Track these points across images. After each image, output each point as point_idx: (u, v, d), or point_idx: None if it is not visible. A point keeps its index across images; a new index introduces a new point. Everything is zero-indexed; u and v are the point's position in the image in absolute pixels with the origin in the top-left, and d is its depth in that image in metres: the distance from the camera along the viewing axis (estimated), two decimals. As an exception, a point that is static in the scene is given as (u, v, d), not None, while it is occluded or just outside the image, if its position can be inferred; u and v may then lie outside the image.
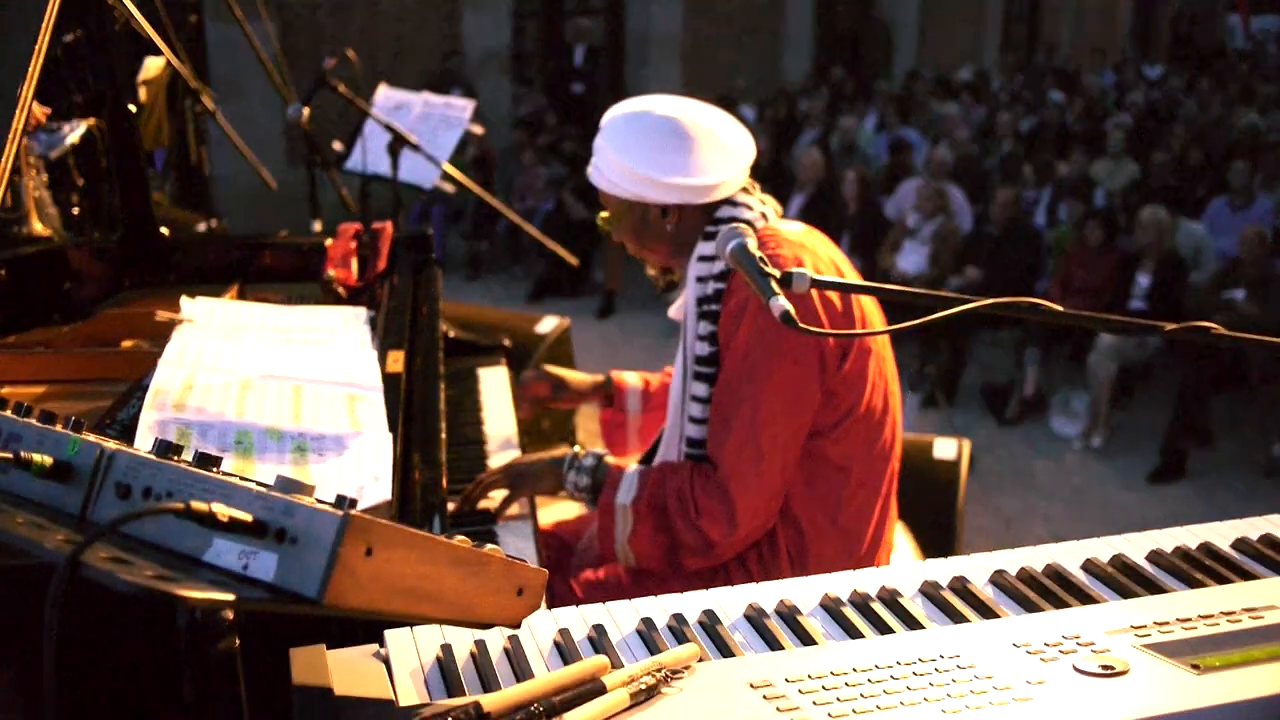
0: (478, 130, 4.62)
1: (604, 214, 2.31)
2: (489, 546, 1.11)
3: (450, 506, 2.29)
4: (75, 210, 4.81)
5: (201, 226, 5.43)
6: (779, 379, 2.08)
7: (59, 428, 1.17)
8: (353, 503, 0.99)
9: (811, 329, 1.73)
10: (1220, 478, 6.19)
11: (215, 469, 1.10)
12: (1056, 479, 6.20)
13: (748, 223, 2.19)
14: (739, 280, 2.12)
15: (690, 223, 2.23)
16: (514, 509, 2.31)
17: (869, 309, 2.25)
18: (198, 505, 0.97)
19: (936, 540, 3.04)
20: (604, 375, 2.73)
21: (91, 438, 1.14)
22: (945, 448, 3.26)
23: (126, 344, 2.75)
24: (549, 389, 2.71)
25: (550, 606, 1.97)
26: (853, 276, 2.29)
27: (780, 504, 2.17)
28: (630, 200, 2.22)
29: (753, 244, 1.81)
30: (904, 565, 1.47)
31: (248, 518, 0.98)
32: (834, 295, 2.12)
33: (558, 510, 2.87)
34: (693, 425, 2.23)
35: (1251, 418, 6.73)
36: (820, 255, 2.20)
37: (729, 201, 2.23)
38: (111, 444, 1.13)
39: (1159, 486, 6.09)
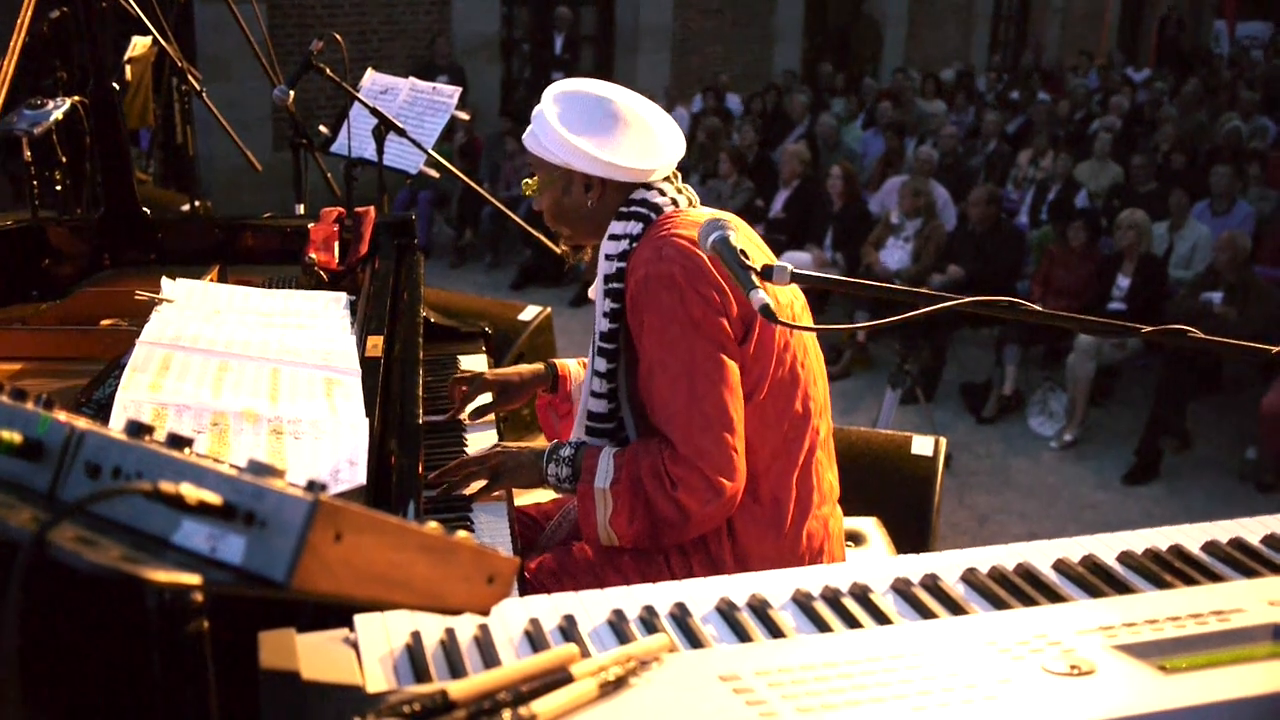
0: (464, 116, 4.59)
1: (530, 179, 2.36)
2: (460, 533, 1.11)
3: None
4: (59, 188, 4.78)
5: (186, 207, 5.41)
6: (700, 346, 2.13)
7: (29, 405, 1.16)
8: (322, 487, 0.98)
9: (789, 323, 1.74)
10: (1195, 480, 6.23)
11: (187, 450, 1.09)
12: (1033, 477, 6.23)
13: (655, 206, 2.26)
14: (638, 259, 2.18)
15: (609, 201, 2.29)
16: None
17: (776, 288, 2.27)
18: (166, 486, 0.96)
19: (912, 536, 3.05)
20: (544, 364, 2.74)
21: (62, 416, 1.13)
22: (922, 444, 3.26)
23: (105, 323, 2.74)
24: (494, 395, 2.71)
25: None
26: (768, 258, 2.33)
27: (745, 461, 2.19)
28: (558, 168, 2.28)
29: (735, 238, 1.81)
30: (876, 561, 1.47)
31: (217, 500, 0.98)
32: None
33: (535, 493, 2.87)
34: (594, 400, 2.29)
35: (1227, 421, 6.78)
36: None
37: (646, 186, 2.29)
38: (82, 423, 1.12)
39: (1134, 487, 6.12)
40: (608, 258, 2.26)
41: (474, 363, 3.08)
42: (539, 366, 2.73)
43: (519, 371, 2.72)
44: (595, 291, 2.35)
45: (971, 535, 5.50)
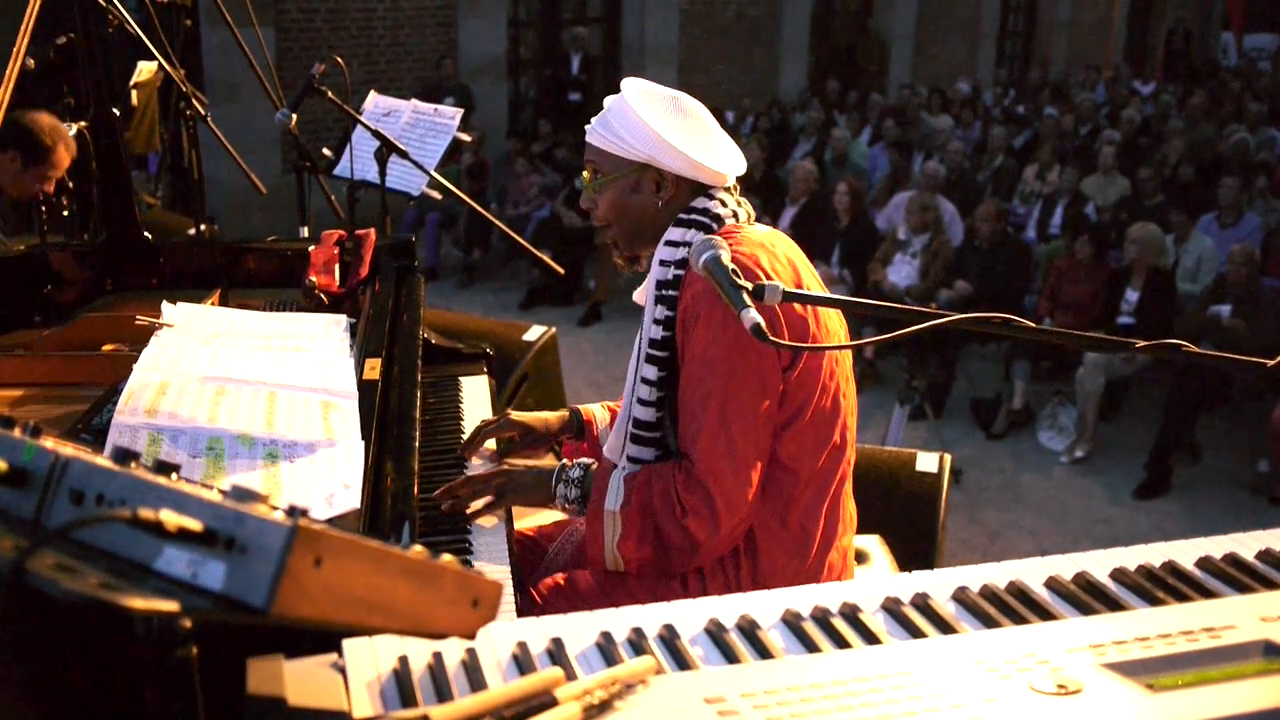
0: (466, 138, 4.61)
1: (587, 174, 2.32)
2: (444, 557, 1.11)
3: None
4: (65, 212, 4.81)
5: (193, 230, 5.44)
6: (741, 371, 2.10)
7: (16, 433, 1.16)
8: (303, 512, 0.98)
9: (780, 342, 1.74)
10: (1206, 493, 6.20)
11: (173, 476, 1.09)
12: (1043, 493, 6.21)
13: (717, 217, 2.23)
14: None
15: (675, 204, 2.26)
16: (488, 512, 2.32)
17: (828, 314, 2.26)
18: (145, 513, 0.96)
19: (917, 555, 3.04)
20: (567, 410, 2.69)
21: (48, 443, 1.13)
22: (927, 461, 3.25)
23: (107, 348, 2.76)
24: (515, 436, 2.64)
25: (518, 610, 1.99)
26: (814, 280, 2.32)
27: (755, 496, 2.17)
28: (634, 163, 2.24)
29: (726, 256, 1.81)
30: (868, 580, 1.47)
31: (197, 526, 0.98)
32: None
33: (537, 515, 2.86)
34: (640, 407, 2.24)
35: (1238, 434, 6.75)
36: (779, 256, 2.22)
37: (708, 194, 2.26)
38: (67, 450, 1.12)
39: (1145, 501, 6.09)
40: (663, 264, 2.22)
41: (476, 384, 3.07)
42: (564, 414, 2.67)
43: (545, 420, 2.65)
44: (643, 296, 2.33)
45: (982, 552, 5.48)
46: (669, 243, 2.23)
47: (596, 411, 2.67)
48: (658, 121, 2.21)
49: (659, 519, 2.14)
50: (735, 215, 2.27)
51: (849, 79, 15.36)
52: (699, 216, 2.23)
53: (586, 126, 2.33)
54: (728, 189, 2.30)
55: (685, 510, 2.12)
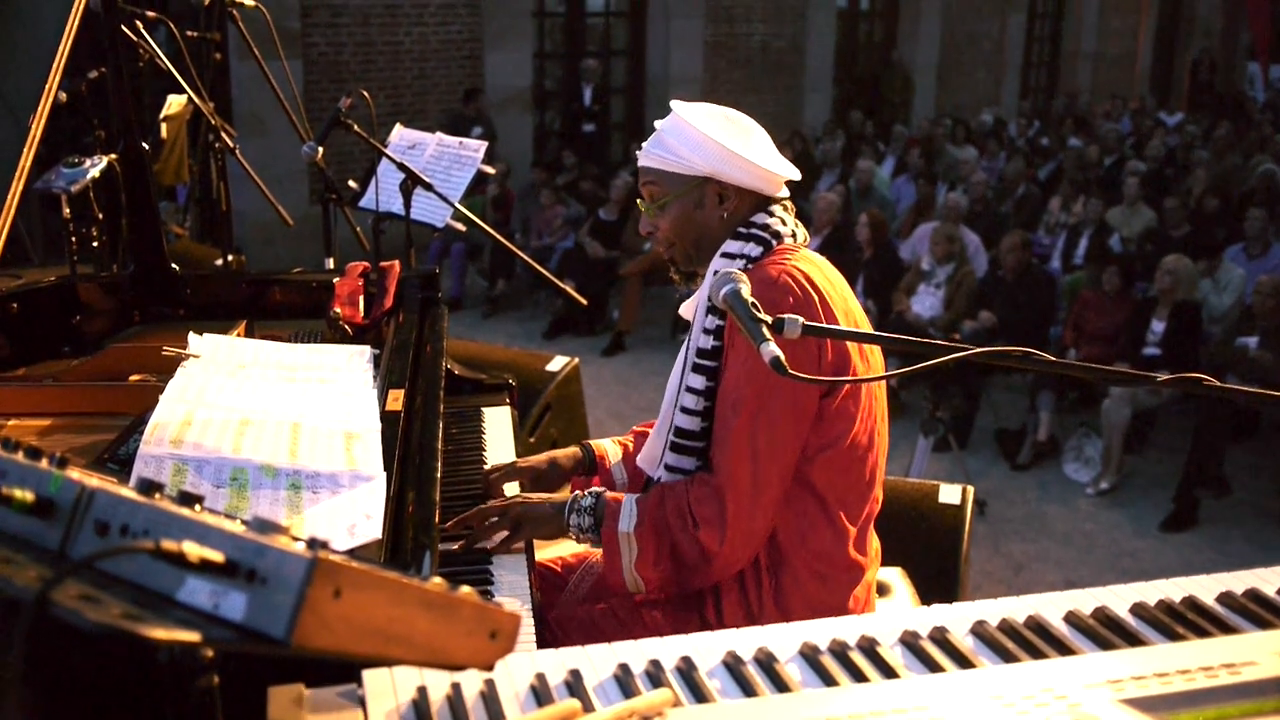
0: (490, 170, 4.64)
1: (642, 200, 2.34)
2: (463, 589, 1.11)
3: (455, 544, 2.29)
4: (94, 243, 4.87)
5: (220, 261, 5.49)
6: (776, 385, 2.10)
7: (43, 464, 1.18)
8: (323, 544, 0.99)
9: (800, 375, 1.74)
10: (1234, 526, 6.14)
11: (196, 507, 1.11)
12: (1069, 525, 6.17)
13: (776, 234, 2.26)
14: (753, 279, 2.10)
15: (738, 215, 2.28)
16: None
17: (866, 346, 2.28)
18: (168, 544, 0.98)
19: (940, 587, 3.02)
20: (578, 446, 2.64)
21: (74, 474, 1.15)
22: (950, 493, 3.24)
23: (134, 378, 2.78)
24: (524, 485, 2.56)
25: (538, 642, 1.99)
26: (859, 310, 2.34)
27: (774, 515, 2.17)
28: (695, 178, 2.26)
29: (745, 290, 1.82)
30: (886, 614, 1.47)
31: (219, 558, 0.99)
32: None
33: (557, 546, 2.85)
34: (684, 415, 2.25)
35: (1266, 466, 6.68)
36: (829, 279, 2.26)
37: (768, 210, 2.29)
38: (93, 481, 1.14)
39: (1171, 534, 6.04)
40: (716, 274, 2.25)
41: (498, 415, 3.08)
42: (575, 451, 2.63)
43: (553, 458, 2.60)
44: (690, 310, 2.35)
45: (1007, 584, 5.45)
46: (725, 254, 2.26)
47: (608, 446, 2.66)
48: (717, 133, 2.24)
49: (674, 535, 2.15)
50: (794, 235, 2.30)
51: (873, 110, 15.39)
52: (758, 231, 2.26)
53: (638, 151, 2.35)
54: (785, 206, 2.33)
55: (697, 523, 2.13)
